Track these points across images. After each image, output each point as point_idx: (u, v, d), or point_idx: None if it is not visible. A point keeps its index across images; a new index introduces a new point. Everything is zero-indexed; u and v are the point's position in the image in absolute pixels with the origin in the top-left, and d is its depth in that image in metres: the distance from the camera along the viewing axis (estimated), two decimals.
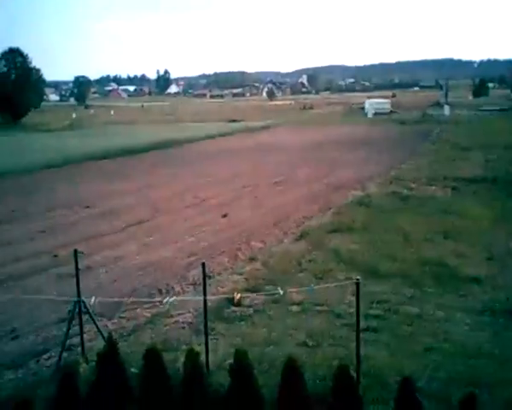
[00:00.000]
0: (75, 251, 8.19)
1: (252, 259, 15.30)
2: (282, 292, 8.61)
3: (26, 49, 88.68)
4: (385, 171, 30.65)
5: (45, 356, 9.18)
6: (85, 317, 8.65)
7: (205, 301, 7.65)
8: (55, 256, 15.65)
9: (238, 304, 11.05)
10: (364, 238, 16.69)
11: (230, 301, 11.86)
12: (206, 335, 7.96)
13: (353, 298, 11.82)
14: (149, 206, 23.18)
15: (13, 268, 14.70)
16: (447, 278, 13.18)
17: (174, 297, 9.48)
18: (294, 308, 11.65)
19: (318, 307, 11.57)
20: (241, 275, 13.84)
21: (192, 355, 7.13)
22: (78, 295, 8.07)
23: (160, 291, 12.79)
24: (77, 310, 8.11)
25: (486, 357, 9.08)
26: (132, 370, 7.39)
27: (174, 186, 28.29)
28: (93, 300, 7.79)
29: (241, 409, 6.47)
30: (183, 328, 10.46)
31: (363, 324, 10.73)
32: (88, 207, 23.37)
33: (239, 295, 9.05)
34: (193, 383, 6.90)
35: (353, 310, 10.53)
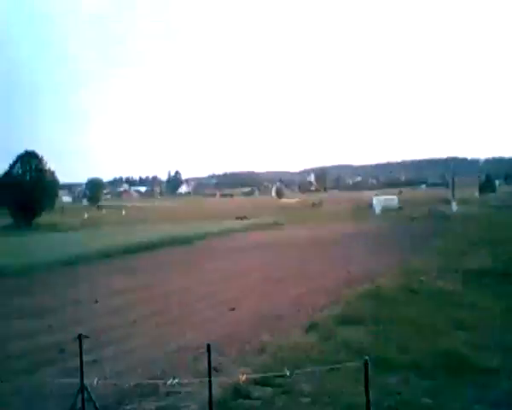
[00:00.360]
0: (79, 336, 8.15)
1: (260, 351, 15.06)
2: (288, 373, 8.37)
3: (41, 153, 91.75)
4: (396, 265, 30.54)
5: None
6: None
7: (210, 382, 7.50)
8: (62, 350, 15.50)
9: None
10: (373, 330, 16.47)
11: (238, 393, 11.62)
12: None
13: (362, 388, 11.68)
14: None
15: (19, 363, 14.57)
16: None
17: (176, 380, 9.20)
18: (304, 400, 11.35)
19: (329, 399, 11.26)
20: (249, 367, 13.56)
21: None
22: (82, 380, 7.95)
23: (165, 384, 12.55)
24: (80, 396, 7.95)
25: None
26: None
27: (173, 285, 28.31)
28: (95, 381, 7.66)
29: None
30: None
31: None
32: (97, 302, 23.36)
33: (245, 376, 8.84)
34: None
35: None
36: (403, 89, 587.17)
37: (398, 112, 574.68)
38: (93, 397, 8.14)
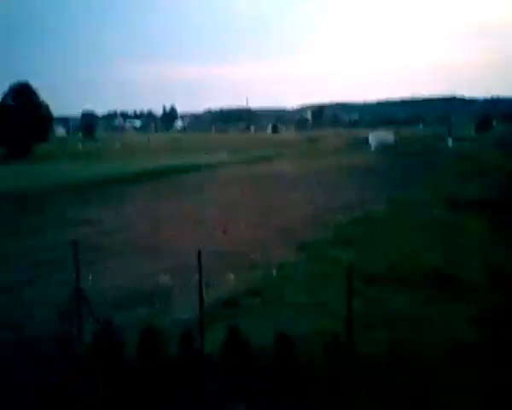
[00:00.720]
0: (73, 242, 8.32)
1: (252, 267, 15.40)
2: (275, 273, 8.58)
3: (34, 85, 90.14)
4: (387, 196, 30.80)
5: None
6: None
7: (200, 287, 7.75)
8: None
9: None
10: (364, 250, 16.85)
11: (228, 301, 12.07)
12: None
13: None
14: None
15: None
16: None
17: (167, 275, 9.44)
18: (292, 307, 11.71)
19: (320, 307, 11.63)
20: (240, 280, 13.93)
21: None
22: (77, 283, 8.18)
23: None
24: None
25: None
26: None
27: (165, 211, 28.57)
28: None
29: None
30: None
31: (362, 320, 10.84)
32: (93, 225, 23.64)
33: (232, 276, 9.06)
34: None
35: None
36: (404, 25, 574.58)
37: (398, 49, 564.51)
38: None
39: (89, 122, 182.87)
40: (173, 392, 6.87)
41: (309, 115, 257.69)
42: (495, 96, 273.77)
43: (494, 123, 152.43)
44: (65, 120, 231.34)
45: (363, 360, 8.11)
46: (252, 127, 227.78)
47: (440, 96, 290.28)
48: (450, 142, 77.39)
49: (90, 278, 8.69)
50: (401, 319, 10.90)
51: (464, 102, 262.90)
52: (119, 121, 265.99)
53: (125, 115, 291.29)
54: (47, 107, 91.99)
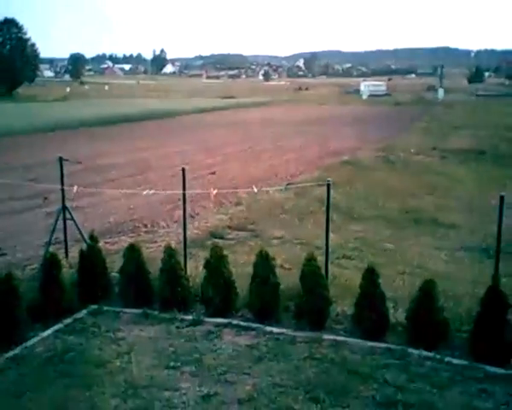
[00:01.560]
0: (60, 159, 8.49)
1: (237, 204, 15.66)
2: (256, 190, 8.86)
3: (22, 22, 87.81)
4: (377, 142, 30.97)
5: None
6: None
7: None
8: (45, 198, 15.98)
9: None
10: (350, 191, 17.12)
11: (213, 235, 12.32)
12: (185, 219, 8.31)
13: (333, 235, 12.43)
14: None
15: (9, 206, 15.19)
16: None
17: (153, 191, 9.71)
18: (275, 242, 12.06)
19: (297, 241, 11.99)
20: (225, 215, 14.23)
21: (170, 250, 7.52)
22: (63, 201, 8.39)
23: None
24: (61, 216, 8.43)
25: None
26: None
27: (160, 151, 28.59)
28: (75, 189, 8.13)
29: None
30: None
31: (339, 253, 11.28)
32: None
33: (215, 191, 9.29)
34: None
35: (331, 243, 11.17)
36: None
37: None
38: (73, 217, 8.64)
39: (77, 64, 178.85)
40: None
41: (301, 63, 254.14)
42: (488, 49, 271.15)
43: (486, 75, 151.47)
44: (52, 62, 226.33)
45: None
46: (243, 74, 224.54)
47: (434, 46, 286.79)
48: (441, 93, 77.17)
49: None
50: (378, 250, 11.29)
51: (457, 54, 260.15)
52: (107, 64, 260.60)
53: (113, 58, 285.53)
54: (33, 45, 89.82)
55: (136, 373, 5.89)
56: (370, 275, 6.70)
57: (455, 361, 6.29)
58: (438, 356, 6.34)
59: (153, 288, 7.73)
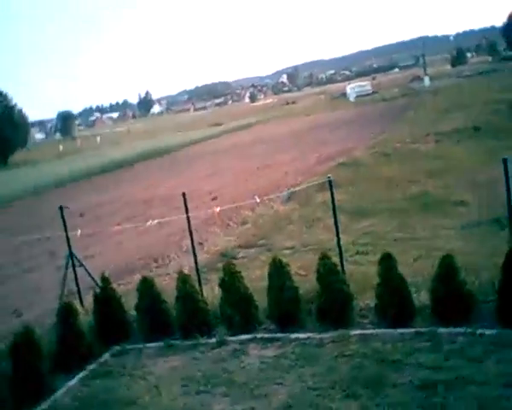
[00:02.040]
0: (60, 207, 8.48)
1: (243, 223, 15.63)
2: (258, 200, 8.78)
3: (5, 90, 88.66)
4: (371, 139, 30.91)
5: None
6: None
7: (188, 218, 7.95)
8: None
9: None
10: (351, 190, 17.04)
11: (224, 256, 12.25)
12: (193, 242, 8.24)
13: (342, 235, 12.34)
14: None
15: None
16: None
17: (156, 220, 9.66)
18: (286, 252, 11.97)
19: (308, 248, 11.90)
20: (233, 236, 14.19)
21: (183, 276, 7.44)
22: (69, 248, 8.35)
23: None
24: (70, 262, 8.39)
25: None
26: None
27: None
28: (79, 232, 8.09)
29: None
30: None
31: (352, 250, 11.18)
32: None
33: (218, 208, 9.24)
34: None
35: (341, 243, 11.09)
36: None
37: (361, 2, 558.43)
38: (82, 262, 8.60)
39: (65, 121, 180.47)
40: None
41: (285, 79, 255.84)
42: (467, 30, 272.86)
43: (468, 56, 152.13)
44: (42, 124, 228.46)
45: None
46: (229, 100, 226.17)
47: (412, 38, 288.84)
48: (426, 81, 77.43)
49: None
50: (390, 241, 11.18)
51: (437, 41, 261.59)
52: (95, 116, 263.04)
53: (101, 109, 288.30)
54: (20, 110, 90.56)
55: (167, 403, 5.78)
56: (387, 261, 6.60)
57: (487, 332, 6.17)
58: (469, 330, 6.21)
59: (171, 317, 7.63)
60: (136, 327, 7.87)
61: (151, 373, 6.66)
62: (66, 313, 7.10)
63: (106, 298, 7.64)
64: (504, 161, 6.57)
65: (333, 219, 13.57)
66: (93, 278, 8.78)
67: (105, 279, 7.77)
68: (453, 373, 5.43)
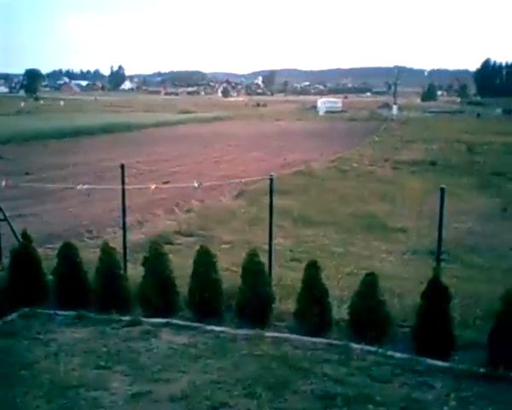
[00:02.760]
0: None
1: (188, 211, 15.42)
2: (196, 185, 8.64)
3: None
4: (331, 154, 31.19)
5: None
6: None
7: (123, 189, 7.71)
8: None
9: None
10: (302, 198, 17.11)
11: (160, 239, 12.02)
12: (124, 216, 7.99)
13: (282, 240, 12.32)
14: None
15: None
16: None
17: (86, 185, 9.35)
18: (224, 246, 11.86)
19: (247, 245, 11.79)
20: (175, 221, 13.96)
21: (107, 248, 7.21)
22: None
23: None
24: None
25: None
26: None
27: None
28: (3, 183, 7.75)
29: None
30: None
31: (288, 256, 11.18)
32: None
33: (154, 185, 9.03)
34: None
35: (279, 248, 11.06)
36: None
37: (349, 18, 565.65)
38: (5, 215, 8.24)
39: (32, 80, 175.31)
40: None
41: (260, 81, 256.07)
42: (441, 69, 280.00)
43: (438, 93, 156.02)
44: (7, 77, 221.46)
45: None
46: (202, 90, 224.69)
47: (389, 66, 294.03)
48: (395, 109, 78.90)
49: None
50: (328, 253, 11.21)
51: (412, 73, 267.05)
52: (63, 80, 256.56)
53: (70, 74, 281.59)
54: None
55: (62, 373, 5.54)
56: (312, 269, 6.55)
57: (397, 355, 6.19)
58: (381, 350, 6.22)
59: (90, 288, 7.38)
60: (52, 293, 7.57)
61: (54, 341, 6.40)
62: None
63: (23, 256, 7.31)
64: (442, 190, 6.63)
65: (278, 223, 13.67)
66: (15, 233, 8.42)
67: (26, 236, 7.44)
68: (355, 389, 5.41)
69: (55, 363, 5.79)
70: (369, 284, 6.36)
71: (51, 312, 7.20)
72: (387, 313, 6.51)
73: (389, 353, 6.19)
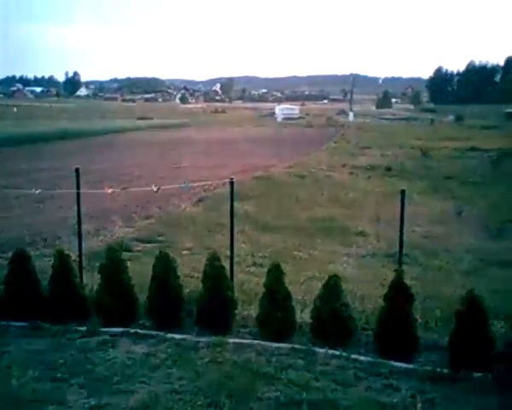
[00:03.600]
0: None
1: (147, 217, 15.14)
2: (155, 189, 8.44)
3: None
4: (290, 160, 31.31)
5: None
6: None
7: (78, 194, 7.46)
8: None
9: None
10: (262, 203, 17.05)
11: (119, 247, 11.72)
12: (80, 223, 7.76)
13: (243, 245, 12.21)
14: None
15: None
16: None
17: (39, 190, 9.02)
18: (184, 252, 11.66)
19: (207, 251, 11.63)
20: (133, 228, 13.67)
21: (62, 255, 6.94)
22: None
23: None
24: None
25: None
26: None
27: None
28: None
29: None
30: None
31: (249, 261, 11.08)
32: None
33: (111, 190, 8.78)
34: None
35: (240, 253, 10.96)
36: (315, 3, 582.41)
37: (306, 26, 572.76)
38: None
39: None
40: None
41: (218, 88, 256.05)
42: (395, 77, 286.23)
43: (393, 101, 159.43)
44: None
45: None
46: (160, 97, 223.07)
47: (345, 74, 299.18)
48: (351, 116, 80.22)
49: None
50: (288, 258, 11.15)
51: (367, 81, 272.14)
52: (17, 87, 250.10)
53: (24, 80, 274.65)
54: None
55: (16, 387, 5.27)
56: (275, 272, 6.45)
57: (361, 358, 6.15)
58: (344, 354, 6.17)
59: (43, 298, 7.07)
60: (4, 303, 7.23)
61: (8, 353, 6.09)
62: None
63: None
64: (402, 192, 6.66)
65: (239, 228, 13.55)
66: None
67: None
68: (321, 394, 5.34)
69: (7, 377, 5.50)
70: (332, 287, 6.30)
71: (4, 323, 6.87)
72: (350, 315, 6.47)
73: (353, 356, 6.14)
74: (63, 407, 5.03)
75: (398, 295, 6.19)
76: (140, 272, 9.18)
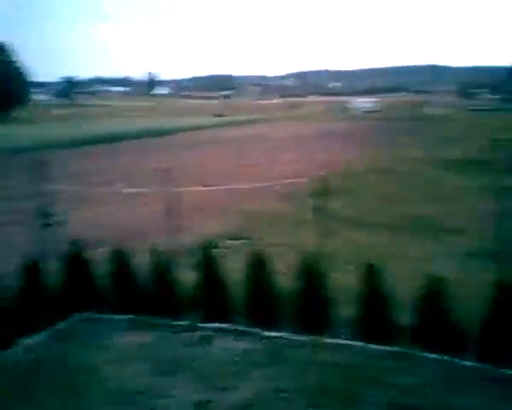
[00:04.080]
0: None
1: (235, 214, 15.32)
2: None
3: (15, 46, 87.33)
4: (373, 154, 30.63)
5: None
6: None
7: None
8: None
9: None
10: (347, 199, 16.79)
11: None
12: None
13: (332, 242, 12.01)
14: None
15: None
16: None
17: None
18: (274, 249, 11.63)
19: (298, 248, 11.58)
20: (221, 224, 13.89)
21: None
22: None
23: None
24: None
25: None
26: None
27: None
28: None
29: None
30: None
31: (343, 258, 10.85)
32: None
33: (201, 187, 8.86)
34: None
35: (332, 251, 10.78)
36: None
37: (384, 16, 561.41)
38: None
39: (69, 87, 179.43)
40: None
41: (292, 82, 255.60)
42: (479, 66, 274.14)
43: (476, 91, 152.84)
44: (43, 86, 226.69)
45: None
46: (231, 94, 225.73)
47: (424, 64, 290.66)
48: (432, 108, 77.64)
49: None
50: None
51: (448, 71, 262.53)
52: (98, 87, 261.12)
53: (105, 81, 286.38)
54: (24, 68, 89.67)
55: (125, 380, 5.44)
56: (371, 272, 6.27)
57: (467, 364, 5.86)
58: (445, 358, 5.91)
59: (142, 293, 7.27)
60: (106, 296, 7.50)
61: (113, 345, 6.33)
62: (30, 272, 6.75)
63: (76, 262, 7.27)
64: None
65: (327, 225, 13.39)
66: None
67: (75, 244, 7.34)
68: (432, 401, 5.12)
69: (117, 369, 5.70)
70: (436, 289, 6.05)
71: (106, 316, 7.13)
72: (454, 321, 6.18)
73: (460, 362, 5.88)
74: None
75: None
76: (230, 268, 9.32)
